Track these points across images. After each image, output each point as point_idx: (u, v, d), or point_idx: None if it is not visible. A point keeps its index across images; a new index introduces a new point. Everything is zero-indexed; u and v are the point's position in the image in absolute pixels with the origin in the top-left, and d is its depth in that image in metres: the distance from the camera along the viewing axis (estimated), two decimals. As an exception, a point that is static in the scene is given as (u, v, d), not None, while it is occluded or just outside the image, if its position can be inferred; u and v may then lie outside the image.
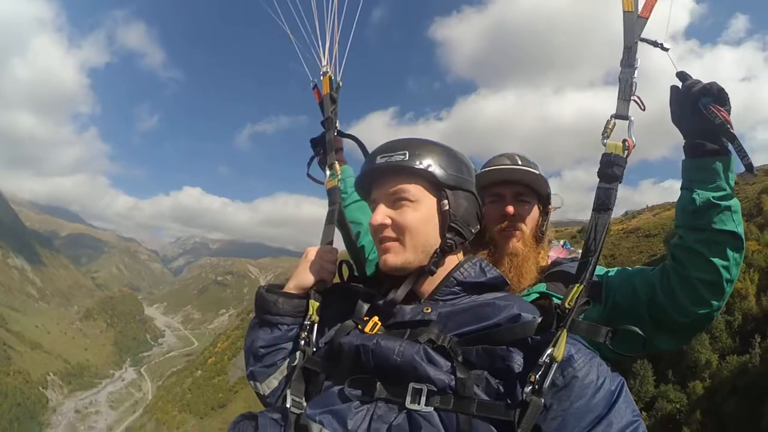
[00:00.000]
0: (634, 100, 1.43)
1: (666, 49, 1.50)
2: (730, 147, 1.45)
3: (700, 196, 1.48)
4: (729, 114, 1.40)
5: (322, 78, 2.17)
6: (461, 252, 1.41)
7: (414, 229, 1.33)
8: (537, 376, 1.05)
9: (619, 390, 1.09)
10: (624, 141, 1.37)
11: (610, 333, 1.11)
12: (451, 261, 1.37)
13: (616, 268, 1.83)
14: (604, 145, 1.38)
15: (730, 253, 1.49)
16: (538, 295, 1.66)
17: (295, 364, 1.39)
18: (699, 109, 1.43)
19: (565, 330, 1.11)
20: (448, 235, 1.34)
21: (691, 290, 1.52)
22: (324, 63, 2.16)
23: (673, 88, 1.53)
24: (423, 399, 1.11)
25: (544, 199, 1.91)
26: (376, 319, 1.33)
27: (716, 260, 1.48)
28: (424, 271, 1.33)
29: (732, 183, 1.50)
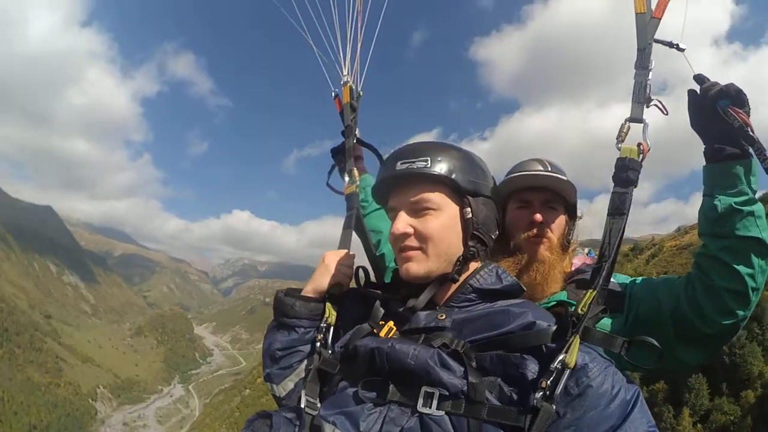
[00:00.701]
0: (655, 105, 1.42)
1: (681, 50, 1.49)
2: (751, 150, 1.42)
3: (722, 202, 1.44)
4: (748, 116, 1.38)
5: (342, 87, 2.21)
6: (478, 258, 1.38)
7: (437, 238, 1.31)
8: (548, 382, 1.04)
9: (635, 400, 1.06)
10: (639, 145, 1.36)
11: (626, 344, 1.10)
12: (469, 267, 1.35)
13: (641, 278, 1.78)
14: (619, 149, 1.37)
15: (755, 260, 1.44)
16: (556, 303, 1.61)
17: (311, 366, 1.39)
18: (717, 113, 1.41)
19: (578, 336, 1.10)
20: (471, 243, 1.32)
21: (716, 300, 1.47)
22: (345, 73, 2.20)
23: (691, 92, 1.49)
24: (434, 403, 1.11)
25: (571, 207, 1.85)
26: (391, 324, 1.33)
27: (741, 268, 1.43)
28: (446, 279, 1.33)
29: (755, 187, 1.46)
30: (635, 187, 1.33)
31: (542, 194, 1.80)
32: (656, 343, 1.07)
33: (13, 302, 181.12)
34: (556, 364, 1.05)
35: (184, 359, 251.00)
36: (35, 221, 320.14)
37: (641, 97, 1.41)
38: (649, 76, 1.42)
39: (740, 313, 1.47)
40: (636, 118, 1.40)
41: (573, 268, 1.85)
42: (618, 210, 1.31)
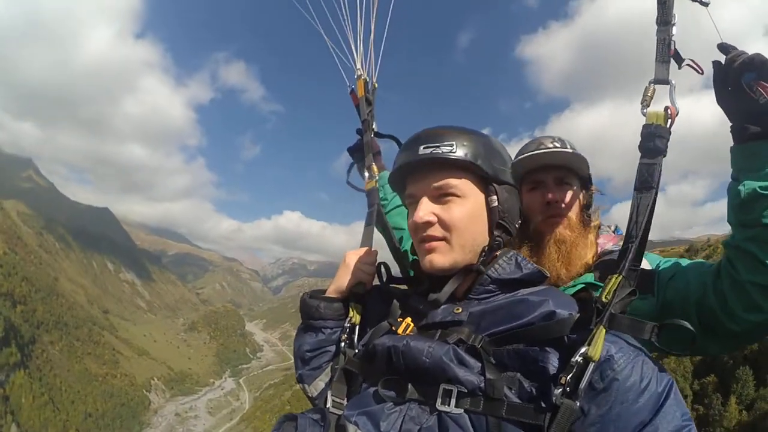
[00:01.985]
0: (688, 64, 1.28)
1: (705, 4, 1.35)
2: None
3: (746, 186, 1.28)
4: None
5: (357, 81, 2.15)
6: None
7: (462, 228, 1.23)
8: (569, 378, 0.96)
9: (667, 391, 0.97)
10: (666, 108, 1.21)
11: (656, 329, 0.99)
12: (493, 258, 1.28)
13: (671, 260, 1.65)
14: (644, 114, 1.23)
15: None
16: (583, 286, 1.51)
17: (336, 366, 1.38)
18: (743, 87, 1.24)
19: (602, 327, 1.00)
20: (497, 233, 1.25)
21: (743, 295, 1.32)
22: (358, 66, 2.15)
23: (715, 64, 1.32)
24: (453, 401, 1.06)
25: (585, 181, 1.78)
26: (409, 320, 1.29)
27: None
28: (471, 271, 1.25)
29: None
30: (664, 156, 1.18)
31: (554, 172, 1.73)
32: (690, 327, 0.97)
33: (73, 298, 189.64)
34: (577, 357, 0.97)
35: (235, 354, 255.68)
36: (94, 222, 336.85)
37: (665, 55, 1.27)
38: (673, 32, 1.27)
39: None
40: (661, 78, 1.25)
41: (599, 248, 1.76)
42: (646, 183, 1.18)
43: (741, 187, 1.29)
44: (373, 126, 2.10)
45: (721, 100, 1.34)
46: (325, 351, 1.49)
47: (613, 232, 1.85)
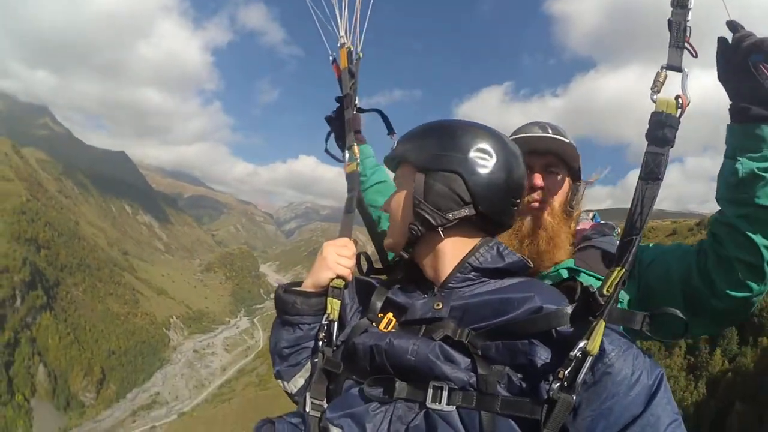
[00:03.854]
0: (687, 48, 1.22)
1: None
2: None
3: (744, 166, 1.30)
4: None
5: (339, 50, 1.98)
6: (476, 235, 1.28)
7: (392, 215, 1.33)
8: (567, 372, 0.95)
9: (658, 384, 0.97)
10: (677, 97, 1.17)
11: (648, 319, 0.99)
12: (465, 244, 1.26)
13: (649, 244, 1.66)
14: (654, 101, 1.18)
15: None
16: (566, 273, 1.54)
17: (315, 364, 1.35)
18: (748, 68, 1.24)
19: (602, 320, 0.99)
20: (410, 221, 1.27)
21: (729, 271, 1.36)
22: (342, 34, 1.97)
23: (721, 41, 1.31)
24: (444, 397, 1.05)
25: (574, 171, 1.76)
26: (390, 315, 1.28)
27: (758, 238, 1.31)
28: (407, 260, 1.32)
29: None
30: (672, 147, 1.15)
31: (543, 158, 1.70)
32: (681, 315, 0.97)
33: (94, 241, 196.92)
34: (576, 351, 0.96)
35: (250, 294, 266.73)
36: (111, 166, 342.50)
37: (680, 40, 1.21)
38: (689, 17, 1.22)
39: (754, 287, 1.37)
40: (674, 65, 1.20)
41: (577, 236, 1.76)
42: (652, 174, 1.14)
43: (738, 166, 1.30)
44: (356, 101, 1.96)
45: (723, 77, 1.34)
46: (303, 347, 1.44)
47: (591, 218, 1.85)
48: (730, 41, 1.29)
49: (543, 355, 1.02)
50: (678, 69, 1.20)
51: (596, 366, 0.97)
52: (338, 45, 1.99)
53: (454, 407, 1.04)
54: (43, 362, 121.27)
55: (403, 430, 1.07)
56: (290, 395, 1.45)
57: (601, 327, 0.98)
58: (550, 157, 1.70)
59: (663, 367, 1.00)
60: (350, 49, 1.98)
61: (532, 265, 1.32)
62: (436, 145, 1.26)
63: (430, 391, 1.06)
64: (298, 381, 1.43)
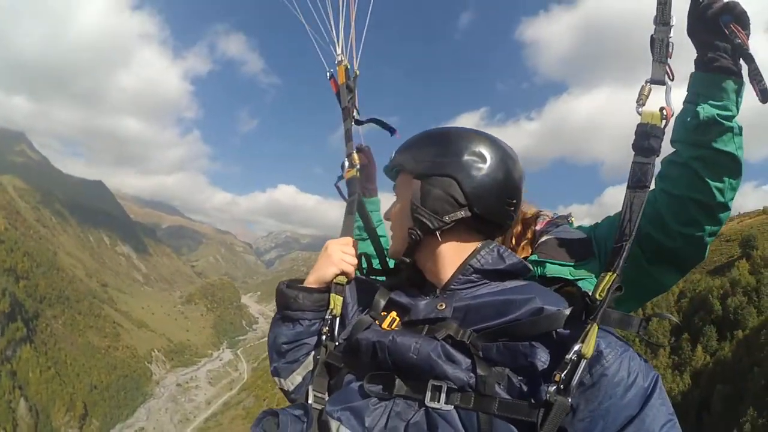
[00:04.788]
0: (668, 67, 1.30)
1: None
2: (744, 71, 1.35)
3: (705, 110, 1.36)
4: (748, 39, 1.31)
5: (337, 67, 2.08)
6: (474, 238, 1.31)
7: (394, 222, 1.39)
8: (563, 375, 0.97)
9: (653, 386, 1.00)
10: (661, 109, 1.26)
11: (644, 323, 1.03)
12: (464, 248, 1.29)
13: (603, 219, 1.72)
14: (639, 114, 1.27)
15: (726, 176, 1.39)
16: (564, 283, 1.48)
17: (318, 358, 1.37)
18: (718, 25, 1.32)
19: (595, 324, 1.02)
20: (409, 226, 1.31)
21: (682, 210, 1.43)
22: (339, 52, 2.08)
23: (693, 1, 1.39)
24: (443, 396, 1.06)
25: None
26: (393, 314, 1.30)
27: (710, 181, 1.38)
28: (409, 264, 1.36)
29: (739, 107, 1.38)
30: (657, 156, 1.23)
31: None
32: (675, 318, 0.98)
33: (72, 272, 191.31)
34: (571, 355, 0.98)
35: (232, 326, 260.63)
36: (88, 196, 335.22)
37: (662, 56, 1.30)
38: (671, 33, 1.31)
39: (705, 226, 1.42)
40: (657, 79, 1.29)
41: (536, 233, 1.81)
42: (639, 182, 1.21)
43: (700, 110, 1.36)
44: (354, 114, 2.04)
45: (692, 32, 1.41)
46: (302, 343, 1.45)
47: (553, 215, 1.89)
48: (700, 1, 1.36)
49: (543, 357, 1.04)
50: (662, 83, 1.28)
51: (594, 368, 1.00)
52: (335, 62, 2.07)
53: (452, 407, 1.05)
54: (24, 396, 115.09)
55: (402, 427, 1.08)
56: (286, 393, 1.46)
57: (594, 330, 1.00)
58: None
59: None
60: (347, 66, 2.06)
61: (532, 268, 1.34)
62: (431, 152, 1.30)
63: (429, 390, 1.08)
64: (296, 378, 1.43)
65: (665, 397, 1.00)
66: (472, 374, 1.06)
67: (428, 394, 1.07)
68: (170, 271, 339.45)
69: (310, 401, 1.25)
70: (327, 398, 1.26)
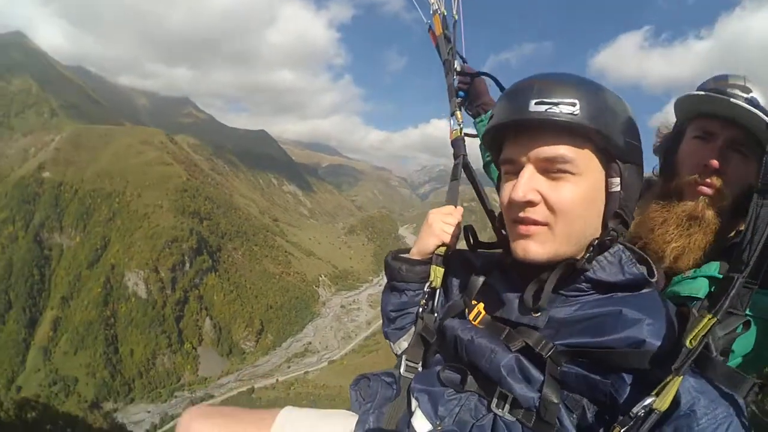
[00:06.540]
0: None
1: None
2: None
3: None
4: None
5: (433, 17, 1.89)
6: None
7: (572, 214, 0.97)
8: (623, 430, 0.81)
9: None
10: None
11: (758, 387, 0.79)
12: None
13: None
14: None
15: None
16: (707, 283, 1.20)
17: (414, 330, 1.35)
18: None
19: (678, 378, 0.80)
20: (611, 224, 1.00)
21: None
22: (433, 0, 1.87)
23: None
24: (507, 407, 0.99)
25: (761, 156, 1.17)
26: (481, 307, 1.16)
27: None
28: (573, 268, 1.01)
29: None
30: None
31: (732, 130, 1.30)
32: None
33: (247, 210, 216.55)
34: (638, 409, 0.80)
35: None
36: (254, 144, 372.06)
37: None
38: None
39: None
40: None
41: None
42: None
43: None
44: (456, 66, 1.84)
45: None
46: (407, 312, 1.45)
47: None
48: None
49: (626, 393, 0.86)
50: None
51: (679, 422, 0.80)
52: (431, 12, 1.88)
53: (515, 419, 0.97)
54: (209, 316, 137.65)
55: (470, 425, 1.02)
56: (396, 356, 1.45)
57: (675, 384, 0.80)
58: (742, 132, 1.29)
59: None
60: (444, 14, 1.87)
61: (654, 278, 1.03)
62: (623, 128, 0.97)
63: (496, 396, 1.01)
64: (402, 344, 1.43)
65: None
66: (538, 395, 0.95)
67: (495, 401, 1.01)
68: (333, 206, 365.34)
69: (402, 370, 1.26)
70: (420, 368, 1.26)
